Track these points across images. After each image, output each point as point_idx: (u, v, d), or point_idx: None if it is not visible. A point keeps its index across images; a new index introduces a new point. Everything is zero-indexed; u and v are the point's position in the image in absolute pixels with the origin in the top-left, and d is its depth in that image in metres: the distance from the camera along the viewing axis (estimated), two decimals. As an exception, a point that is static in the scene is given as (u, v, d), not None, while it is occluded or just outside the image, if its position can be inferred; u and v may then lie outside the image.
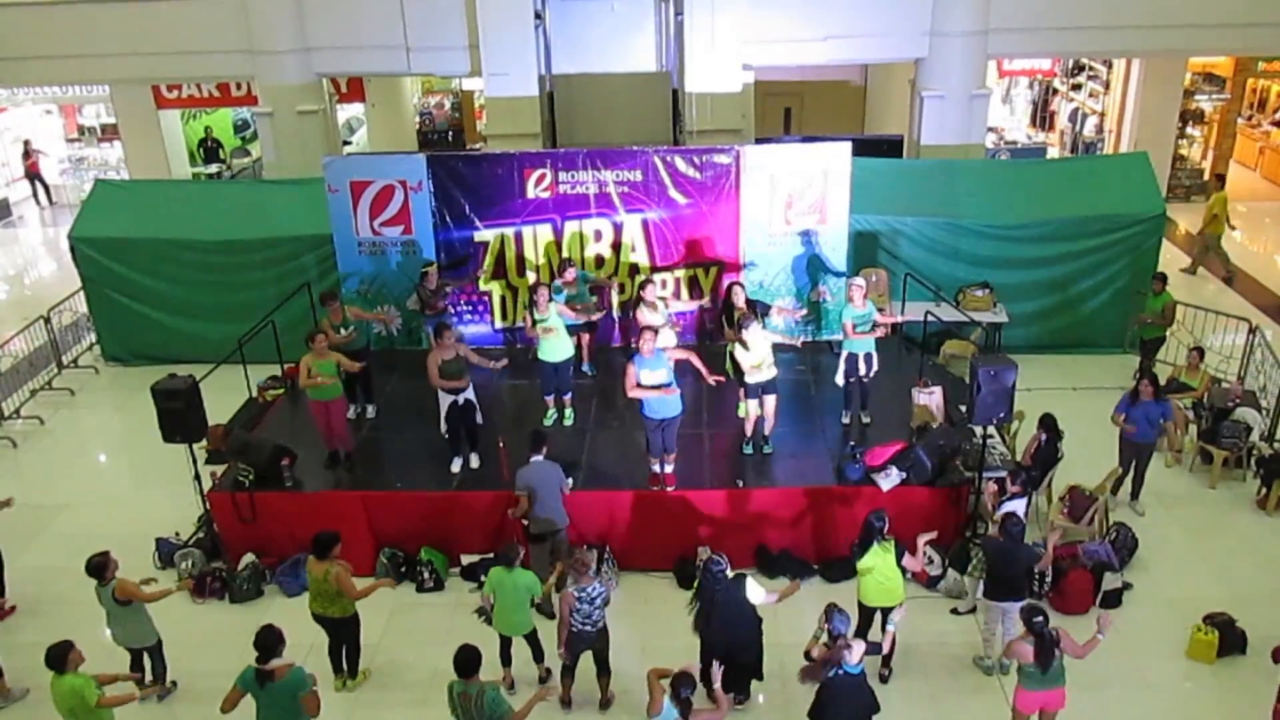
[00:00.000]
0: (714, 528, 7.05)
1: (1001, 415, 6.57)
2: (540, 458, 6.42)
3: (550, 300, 7.67)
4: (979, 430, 7.10)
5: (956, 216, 9.78)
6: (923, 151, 11.85)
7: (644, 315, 7.72)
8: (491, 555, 7.05)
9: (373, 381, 8.33)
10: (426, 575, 7.02)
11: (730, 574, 5.50)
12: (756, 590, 5.51)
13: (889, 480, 6.89)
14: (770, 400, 7.29)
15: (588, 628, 5.55)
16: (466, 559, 7.08)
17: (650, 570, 7.12)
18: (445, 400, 7.31)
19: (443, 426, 7.34)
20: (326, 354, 7.35)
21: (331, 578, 5.82)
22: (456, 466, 7.41)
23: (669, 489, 7.09)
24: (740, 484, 7.05)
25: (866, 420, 7.98)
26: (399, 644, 6.56)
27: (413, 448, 7.75)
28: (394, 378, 8.82)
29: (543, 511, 6.44)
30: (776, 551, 7.05)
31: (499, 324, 9.37)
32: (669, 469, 7.14)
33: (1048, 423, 7.30)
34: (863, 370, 7.71)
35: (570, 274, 8.35)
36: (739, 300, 7.86)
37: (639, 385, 6.68)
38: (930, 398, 7.75)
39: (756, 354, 7.10)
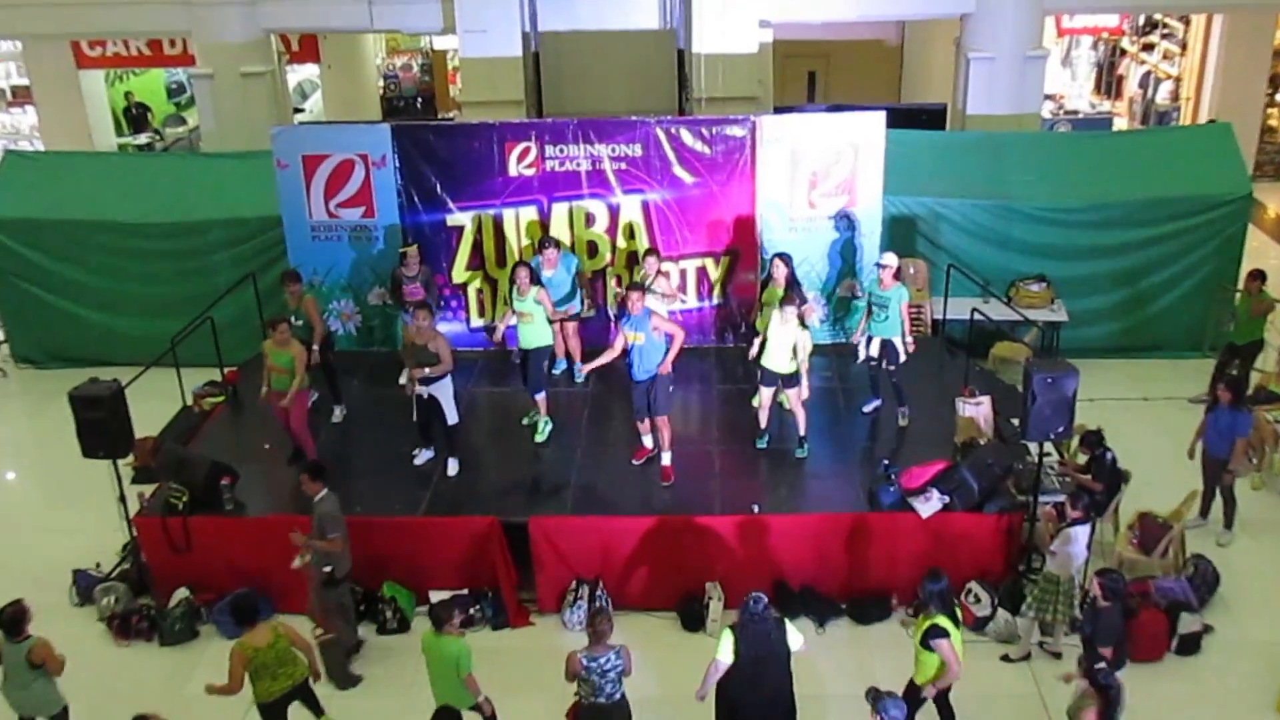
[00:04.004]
0: (724, 560, 7.00)
1: (1060, 429, 6.52)
2: (326, 491, 6.36)
3: (534, 284, 7.71)
4: (1034, 447, 7.06)
5: (1008, 198, 9.75)
6: (969, 123, 11.83)
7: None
8: (466, 592, 7.07)
9: (338, 378, 8.35)
10: (389, 615, 6.98)
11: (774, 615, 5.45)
12: (796, 636, 5.40)
13: (929, 506, 6.84)
14: (795, 396, 7.44)
15: (599, 700, 5.36)
16: (436, 595, 6.97)
17: (650, 610, 7.08)
18: (415, 388, 7.39)
19: (415, 414, 7.47)
20: (288, 344, 7.47)
21: (284, 636, 5.60)
22: (421, 459, 7.61)
23: (664, 484, 7.30)
24: (755, 509, 7.02)
25: (904, 422, 7.97)
26: (355, 695, 6.46)
27: (375, 464, 7.75)
28: (355, 383, 8.80)
29: (347, 552, 6.41)
30: (797, 588, 7.03)
31: (476, 321, 9.37)
32: (665, 457, 7.33)
33: (1091, 439, 7.23)
34: (873, 353, 7.76)
35: (552, 255, 8.25)
36: (778, 275, 7.89)
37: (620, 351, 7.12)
38: (977, 409, 7.74)
39: (777, 342, 7.23)
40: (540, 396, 7.93)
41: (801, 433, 7.67)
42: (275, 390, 7.55)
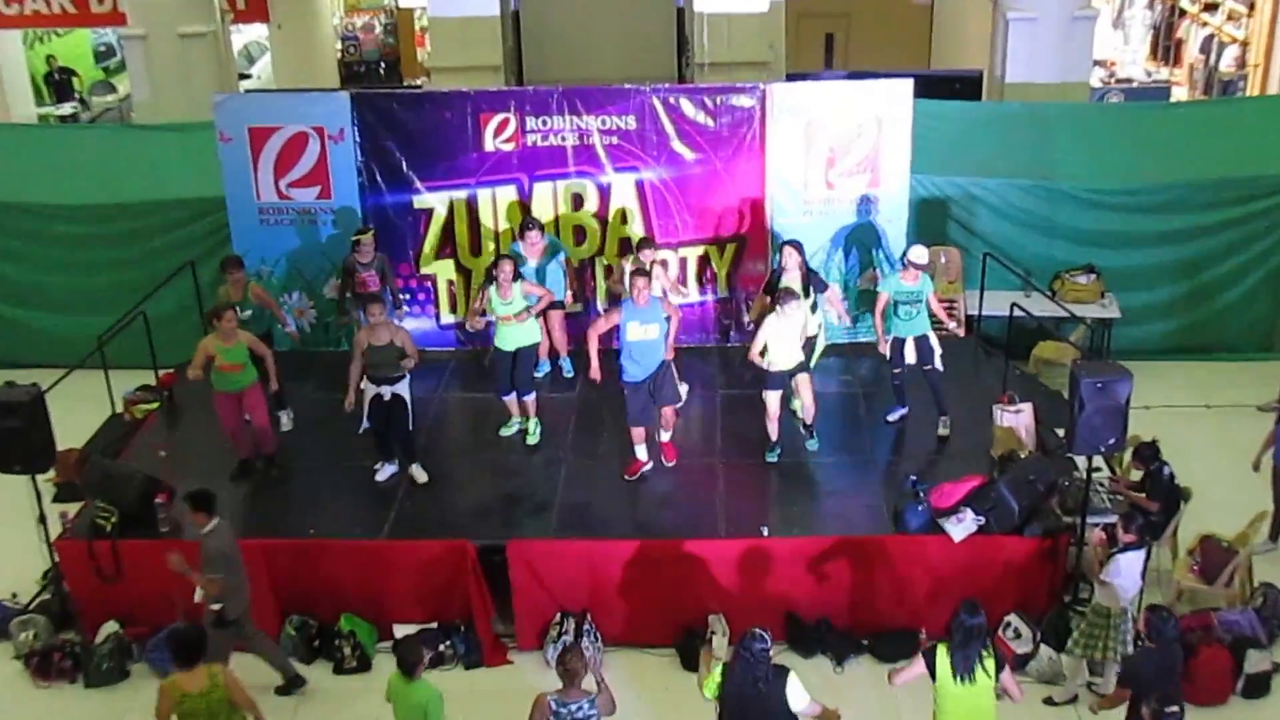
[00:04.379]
0: (729, 590, 7.00)
1: (1111, 441, 6.54)
2: (217, 522, 6.34)
3: (517, 279, 7.72)
4: (1081, 461, 7.07)
5: (1052, 178, 9.76)
6: (1008, 92, 11.86)
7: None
8: (435, 626, 7.06)
9: (282, 380, 8.28)
10: (348, 651, 6.96)
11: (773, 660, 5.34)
12: (799, 694, 5.26)
13: (962, 527, 6.85)
14: (803, 381, 7.58)
15: None
16: (401, 630, 7.01)
17: (645, 646, 7.07)
18: (367, 391, 7.41)
19: (364, 423, 7.50)
20: (236, 336, 7.45)
21: (225, 684, 5.45)
22: (384, 474, 7.64)
23: (669, 463, 7.59)
24: (764, 532, 7.03)
25: (944, 431, 8.02)
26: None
27: (332, 480, 7.77)
28: (308, 386, 8.82)
29: (240, 589, 6.42)
30: (812, 621, 7.03)
31: (448, 317, 9.41)
32: (665, 437, 7.64)
33: (1146, 453, 7.24)
34: (910, 358, 7.85)
35: (535, 239, 8.26)
36: (790, 265, 7.91)
37: (623, 337, 7.16)
38: (1017, 418, 7.73)
39: (782, 343, 7.32)
40: (530, 398, 8.04)
41: (809, 420, 7.77)
42: (224, 392, 7.45)
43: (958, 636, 5.31)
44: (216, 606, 6.28)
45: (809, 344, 7.86)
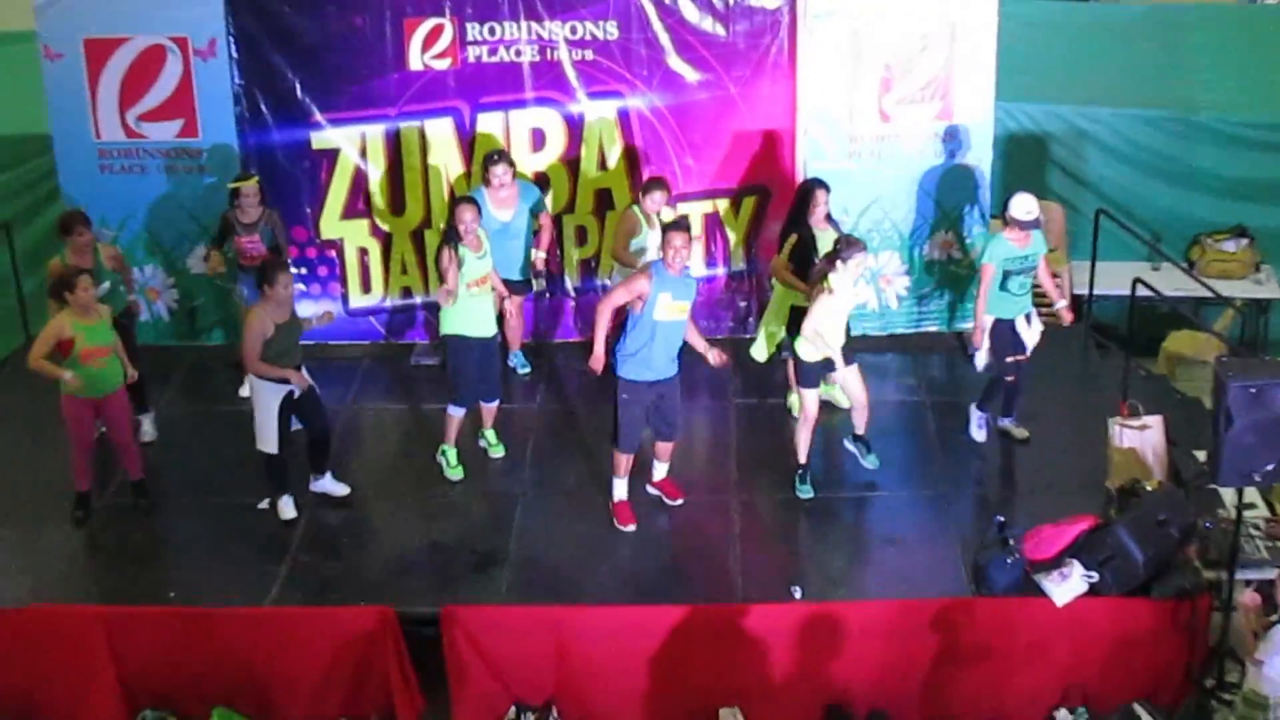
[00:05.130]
0: (750, 672, 6.91)
1: (1270, 468, 6.48)
2: None
3: (481, 228, 7.81)
4: (1229, 495, 7.10)
5: (1189, 108, 9.83)
6: (1129, -11, 12.52)
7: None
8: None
9: (145, 378, 8.27)
10: (222, 759, 7.33)
11: None
12: None
13: (1067, 586, 6.80)
14: (852, 375, 7.58)
15: None
16: (297, 732, 7.48)
17: (633, 752, 7.47)
18: (268, 394, 7.39)
19: (262, 442, 7.45)
20: (95, 310, 7.41)
21: None
22: (289, 510, 7.66)
23: (673, 501, 7.65)
24: (796, 593, 7.02)
25: (1021, 435, 8.14)
26: None
27: (200, 520, 7.72)
28: (168, 391, 8.85)
29: None
30: (862, 716, 6.89)
31: (359, 300, 9.40)
32: (661, 472, 7.68)
33: None
34: (1028, 342, 7.88)
35: (502, 175, 8.10)
36: (818, 211, 7.89)
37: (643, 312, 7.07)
38: (1141, 437, 7.72)
39: (832, 321, 7.33)
40: (493, 405, 8.11)
41: (860, 430, 7.81)
42: (81, 397, 7.30)
43: None
44: None
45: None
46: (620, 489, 7.66)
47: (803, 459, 7.85)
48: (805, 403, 7.72)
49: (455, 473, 8.12)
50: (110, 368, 7.52)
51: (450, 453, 8.13)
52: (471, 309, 7.82)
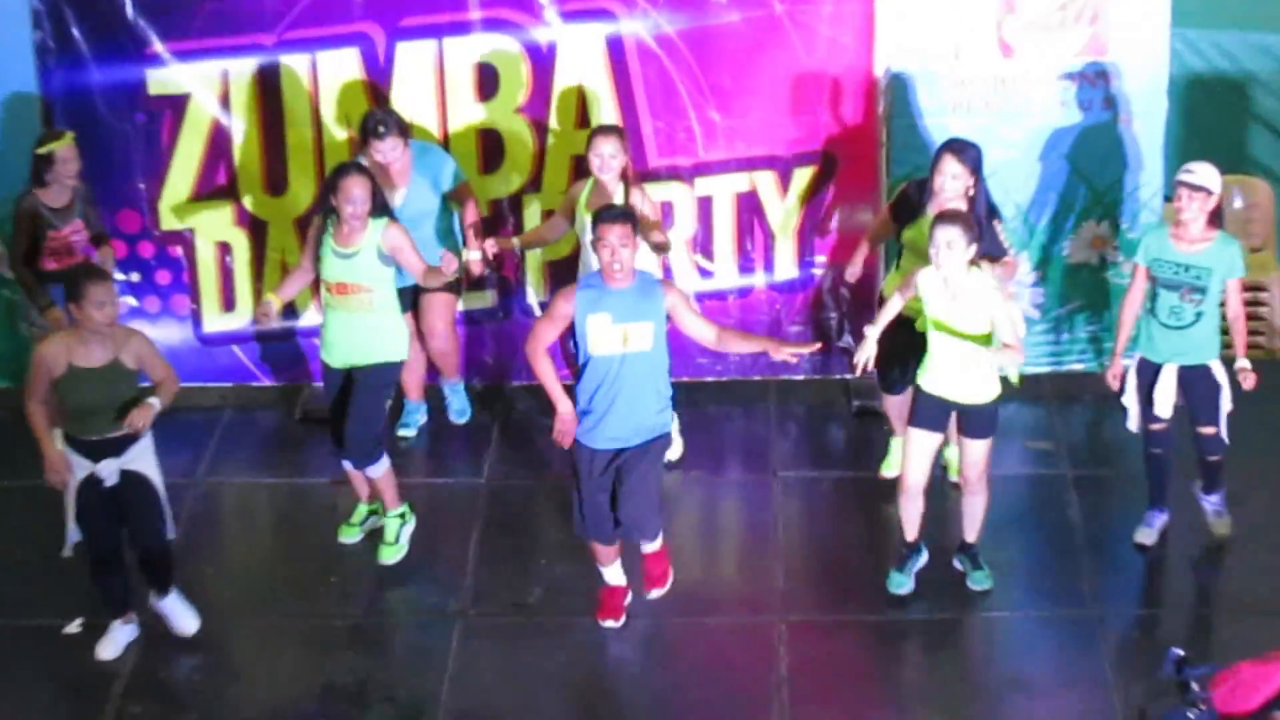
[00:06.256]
0: None
1: None
2: None
3: (381, 216, 7.76)
4: None
5: None
6: None
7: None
8: None
9: None
10: None
11: None
12: None
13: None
14: (978, 449, 7.57)
15: None
16: None
17: None
18: (73, 468, 7.28)
19: (68, 540, 7.47)
20: None
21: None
22: (109, 648, 7.69)
23: (651, 592, 7.72)
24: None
25: (1220, 530, 8.07)
26: None
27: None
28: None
29: None
30: None
31: (216, 322, 9.47)
32: (652, 546, 7.68)
33: None
34: (1167, 406, 7.82)
35: (389, 152, 8.17)
36: (949, 188, 7.87)
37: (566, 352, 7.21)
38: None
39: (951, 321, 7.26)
40: (373, 471, 7.95)
41: (972, 538, 7.79)
42: None
43: None
44: None
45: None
46: (612, 572, 7.65)
47: (912, 536, 7.70)
48: (909, 457, 7.64)
49: (347, 534, 8.22)
50: None
51: (355, 521, 8.23)
52: (326, 325, 7.82)
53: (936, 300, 7.28)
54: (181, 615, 7.60)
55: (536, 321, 7.53)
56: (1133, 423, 8.03)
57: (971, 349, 7.29)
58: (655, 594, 7.68)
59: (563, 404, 7.26)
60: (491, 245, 8.65)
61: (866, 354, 7.49)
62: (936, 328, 7.35)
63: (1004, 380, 7.70)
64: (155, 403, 7.21)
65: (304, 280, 7.99)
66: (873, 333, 7.53)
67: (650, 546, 7.62)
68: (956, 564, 7.85)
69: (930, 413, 7.42)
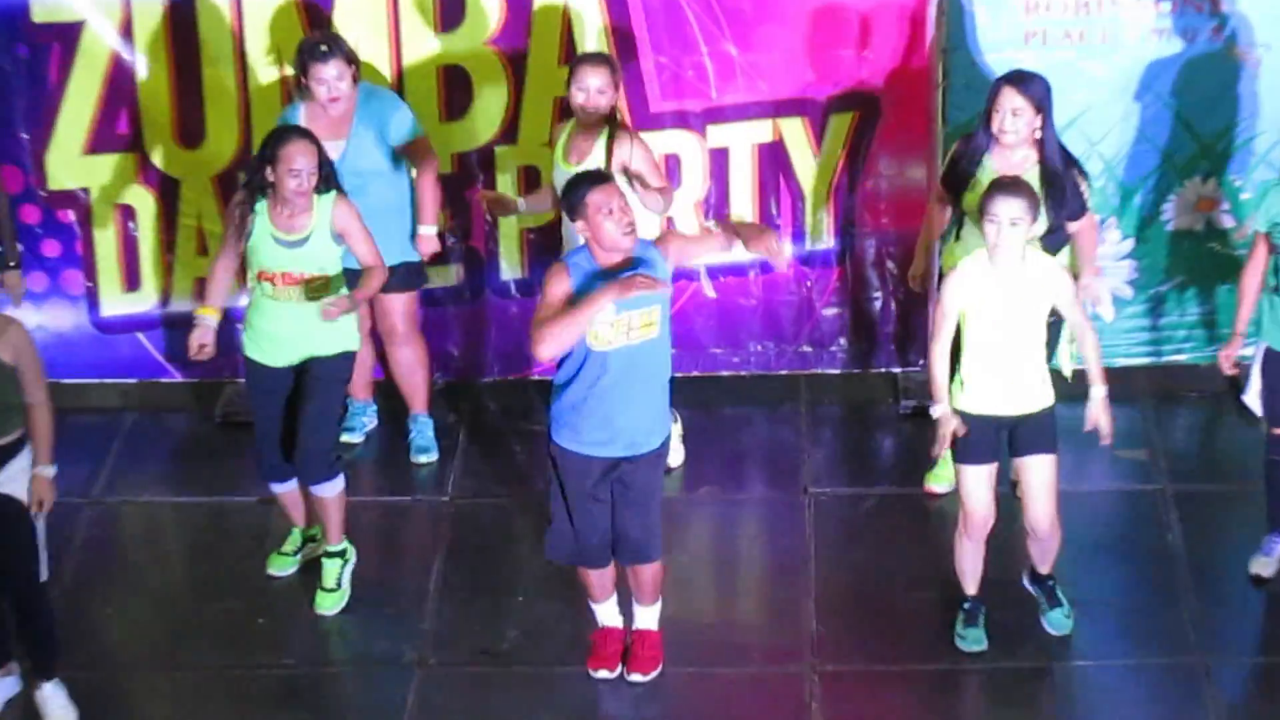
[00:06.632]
0: None
1: None
2: None
3: (327, 191, 7.54)
4: None
5: None
6: None
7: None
8: None
9: None
10: None
11: None
12: None
13: None
14: (1044, 470, 7.30)
15: None
16: None
17: None
18: None
19: None
20: None
21: None
22: None
23: (636, 677, 7.57)
24: None
25: (1265, 569, 7.76)
26: None
27: None
28: None
29: None
30: None
31: (117, 306, 9.27)
32: (643, 619, 7.56)
33: None
34: None
35: (333, 81, 8.03)
36: (1013, 128, 7.73)
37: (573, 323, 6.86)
38: None
39: (999, 330, 7.09)
40: (328, 490, 7.77)
41: (1046, 570, 7.56)
42: None
43: None
44: None
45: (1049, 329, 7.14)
46: (604, 613, 7.47)
47: (972, 590, 7.51)
48: (964, 474, 7.42)
49: (281, 567, 8.10)
50: None
51: (287, 551, 8.06)
52: (263, 318, 7.66)
53: (988, 290, 7.17)
54: (56, 713, 7.30)
55: (538, 310, 7.25)
56: (1251, 400, 8.09)
57: (1028, 346, 7.26)
58: (638, 679, 7.75)
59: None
60: (485, 201, 8.80)
61: (949, 429, 7.51)
62: (988, 325, 7.23)
63: (1054, 373, 7.54)
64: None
65: (232, 271, 7.78)
66: (942, 409, 7.59)
67: (646, 616, 7.63)
68: (1027, 585, 7.68)
69: (980, 441, 7.26)
